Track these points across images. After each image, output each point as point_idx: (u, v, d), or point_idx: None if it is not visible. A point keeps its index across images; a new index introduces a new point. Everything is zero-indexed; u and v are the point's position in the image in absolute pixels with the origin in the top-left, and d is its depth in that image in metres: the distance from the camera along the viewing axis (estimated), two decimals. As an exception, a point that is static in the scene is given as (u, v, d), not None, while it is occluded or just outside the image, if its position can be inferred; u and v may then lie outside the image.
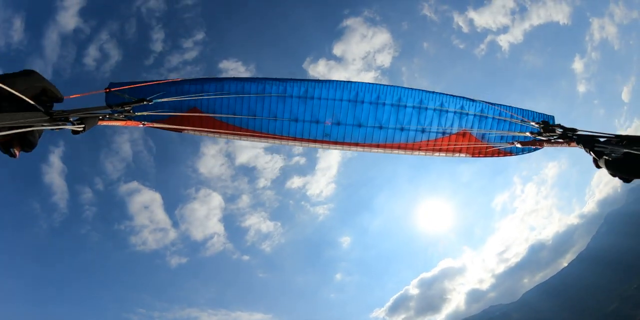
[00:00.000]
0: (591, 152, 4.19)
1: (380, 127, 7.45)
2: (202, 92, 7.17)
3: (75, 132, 4.06)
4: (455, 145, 7.54)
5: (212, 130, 7.46)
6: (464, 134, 7.47)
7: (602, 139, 4.29)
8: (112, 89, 5.58)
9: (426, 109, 7.32)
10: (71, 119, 4.01)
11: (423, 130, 7.44)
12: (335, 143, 7.69)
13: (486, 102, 7.39)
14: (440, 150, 7.63)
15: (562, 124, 5.55)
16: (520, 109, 7.46)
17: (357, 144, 7.65)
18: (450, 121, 7.38)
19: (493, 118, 7.38)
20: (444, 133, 7.48)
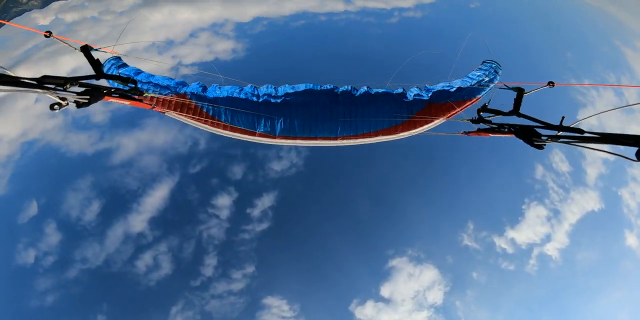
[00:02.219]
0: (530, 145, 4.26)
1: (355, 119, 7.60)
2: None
3: (79, 105, 3.49)
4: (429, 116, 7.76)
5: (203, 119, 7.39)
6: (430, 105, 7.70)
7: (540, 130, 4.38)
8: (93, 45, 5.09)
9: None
10: (70, 89, 3.37)
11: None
12: (323, 138, 7.68)
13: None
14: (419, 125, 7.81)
15: (492, 110, 5.70)
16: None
17: (344, 137, 7.66)
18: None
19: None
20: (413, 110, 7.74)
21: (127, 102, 5.36)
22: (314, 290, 39.16)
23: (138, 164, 41.40)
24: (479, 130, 6.06)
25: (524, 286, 41.73)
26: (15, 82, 3.06)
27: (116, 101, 4.93)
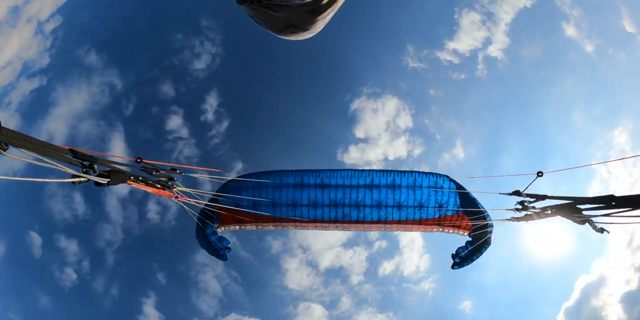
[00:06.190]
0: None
1: (399, 207, 8.07)
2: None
3: (97, 184, 3.62)
4: (459, 223, 8.23)
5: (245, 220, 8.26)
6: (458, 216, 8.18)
7: (580, 206, 4.03)
8: (145, 161, 4.79)
9: (441, 189, 8.04)
10: (95, 168, 3.43)
11: (440, 207, 8.15)
12: (357, 222, 8.32)
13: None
14: (453, 226, 8.32)
15: (530, 195, 5.57)
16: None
17: (378, 222, 8.26)
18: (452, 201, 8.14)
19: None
20: (448, 212, 8.19)
21: (150, 189, 4.86)
22: (300, 155, 42.41)
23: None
24: (527, 216, 6.06)
25: (481, 90, 45.91)
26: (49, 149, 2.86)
27: (137, 186, 4.72)
